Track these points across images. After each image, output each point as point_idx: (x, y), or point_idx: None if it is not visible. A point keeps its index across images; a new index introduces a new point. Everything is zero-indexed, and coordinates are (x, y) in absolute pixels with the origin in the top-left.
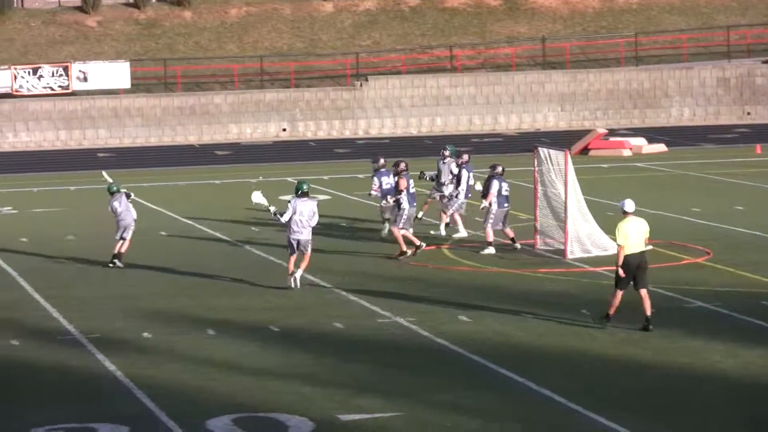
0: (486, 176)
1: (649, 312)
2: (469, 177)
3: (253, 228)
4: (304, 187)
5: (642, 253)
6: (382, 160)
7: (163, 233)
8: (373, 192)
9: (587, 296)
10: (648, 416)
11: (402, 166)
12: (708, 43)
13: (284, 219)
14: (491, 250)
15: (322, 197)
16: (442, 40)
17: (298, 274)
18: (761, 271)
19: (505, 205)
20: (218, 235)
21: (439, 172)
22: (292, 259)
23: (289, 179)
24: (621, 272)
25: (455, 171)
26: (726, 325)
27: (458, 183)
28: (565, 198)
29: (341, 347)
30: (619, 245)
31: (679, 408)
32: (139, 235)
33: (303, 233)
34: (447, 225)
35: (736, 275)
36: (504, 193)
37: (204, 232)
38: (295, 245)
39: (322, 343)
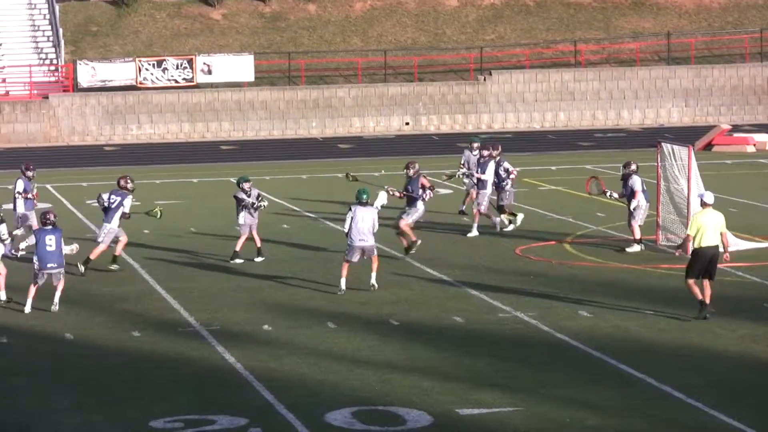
0: (622, 175)
1: (708, 300)
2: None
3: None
4: (364, 197)
5: (717, 246)
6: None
7: (285, 226)
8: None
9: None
10: None
11: (417, 166)
12: None
13: (346, 228)
14: (638, 247)
15: (444, 191)
16: (566, 34)
17: (373, 277)
18: None
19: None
20: (340, 228)
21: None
22: (346, 267)
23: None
24: (678, 252)
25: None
26: None
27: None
28: (688, 194)
29: (461, 341)
30: (688, 234)
31: None
32: (261, 228)
33: (367, 240)
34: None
35: None
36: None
37: (326, 225)
38: (359, 254)
39: (442, 337)
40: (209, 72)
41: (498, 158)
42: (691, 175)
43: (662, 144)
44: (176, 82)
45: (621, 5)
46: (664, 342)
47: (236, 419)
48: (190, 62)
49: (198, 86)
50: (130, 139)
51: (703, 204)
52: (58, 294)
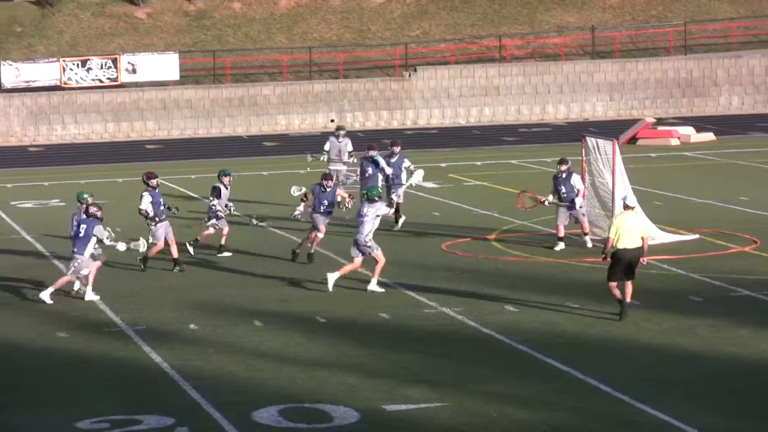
0: (560, 172)
1: (628, 299)
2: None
3: (301, 219)
4: (373, 194)
5: (637, 249)
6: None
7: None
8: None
9: (633, 285)
10: (695, 405)
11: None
12: (757, 31)
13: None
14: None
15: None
16: (491, 29)
17: (373, 283)
18: None
19: None
20: (264, 225)
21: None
22: (352, 265)
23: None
24: (603, 259)
25: (349, 148)
26: None
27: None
28: (613, 187)
29: (388, 338)
30: (608, 236)
31: (726, 397)
32: (186, 226)
33: (358, 236)
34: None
35: None
36: None
37: (251, 224)
38: (355, 247)
39: (368, 333)
40: (134, 71)
41: (398, 156)
42: (616, 168)
43: (587, 138)
44: (101, 81)
45: (545, 0)
46: (591, 335)
47: (163, 419)
48: (115, 62)
49: (123, 86)
50: (54, 139)
51: (625, 206)
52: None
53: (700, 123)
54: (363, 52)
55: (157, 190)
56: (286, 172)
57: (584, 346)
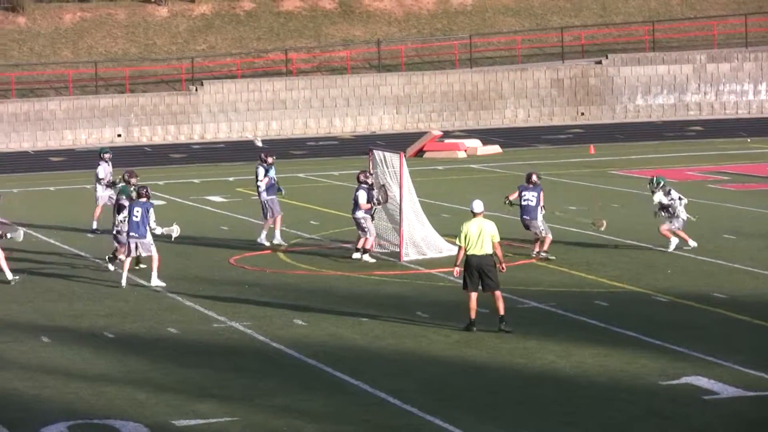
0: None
1: (501, 311)
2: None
3: (88, 235)
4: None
5: (484, 255)
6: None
7: None
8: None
9: (422, 298)
10: (483, 417)
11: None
12: (542, 44)
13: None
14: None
15: (157, 202)
16: (277, 43)
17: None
18: (594, 270)
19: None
20: (52, 241)
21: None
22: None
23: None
24: (455, 272)
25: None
26: (560, 325)
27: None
28: (400, 200)
29: (177, 352)
30: (459, 246)
31: (514, 408)
32: None
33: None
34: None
35: (570, 275)
36: None
37: (38, 239)
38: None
39: (157, 348)
40: None
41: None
42: (403, 181)
43: (374, 151)
44: None
45: (331, 13)
46: (379, 348)
47: None
48: None
49: None
50: None
51: (473, 213)
52: None
53: (487, 136)
54: (149, 66)
55: None
56: (73, 187)
57: (372, 358)
